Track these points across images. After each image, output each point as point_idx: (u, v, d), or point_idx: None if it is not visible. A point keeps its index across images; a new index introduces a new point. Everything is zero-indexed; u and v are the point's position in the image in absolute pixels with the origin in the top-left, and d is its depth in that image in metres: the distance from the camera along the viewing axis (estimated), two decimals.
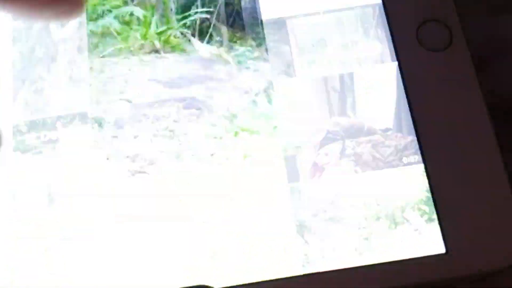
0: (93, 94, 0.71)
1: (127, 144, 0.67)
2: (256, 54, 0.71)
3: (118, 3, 0.76)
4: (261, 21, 0.70)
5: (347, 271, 0.47)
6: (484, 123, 0.50)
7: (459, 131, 0.50)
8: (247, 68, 0.70)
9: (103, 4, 0.76)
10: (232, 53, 0.72)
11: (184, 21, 0.73)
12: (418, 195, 0.49)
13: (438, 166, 0.50)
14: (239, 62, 0.71)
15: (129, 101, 0.71)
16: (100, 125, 0.70)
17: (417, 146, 0.51)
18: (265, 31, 0.70)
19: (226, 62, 0.72)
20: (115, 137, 0.68)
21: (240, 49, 0.72)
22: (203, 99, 0.69)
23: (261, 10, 0.71)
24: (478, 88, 0.51)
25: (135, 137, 0.68)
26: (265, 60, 0.71)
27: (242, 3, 0.73)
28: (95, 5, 0.77)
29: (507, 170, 0.49)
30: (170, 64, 0.72)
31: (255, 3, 0.71)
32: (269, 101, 0.68)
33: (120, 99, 0.71)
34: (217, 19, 0.72)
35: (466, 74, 0.52)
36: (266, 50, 0.70)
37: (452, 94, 0.52)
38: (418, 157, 0.51)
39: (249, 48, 0.72)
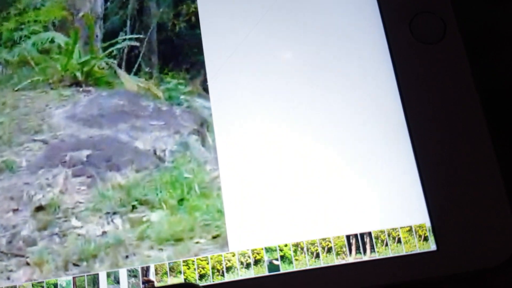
0: (5, 133, 0.63)
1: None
2: (190, 88, 0.64)
3: (37, 28, 0.68)
4: (201, 48, 0.62)
5: (338, 267, 0.49)
6: (477, 116, 0.50)
7: (452, 125, 0.50)
8: (179, 104, 0.63)
9: (21, 29, 0.68)
10: (163, 87, 0.64)
11: (110, 49, 0.65)
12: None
13: (430, 161, 0.50)
14: (170, 98, 0.63)
15: (45, 142, 0.63)
16: (11, 169, 0.61)
17: (408, 139, 0.51)
18: (206, 59, 0.63)
19: (155, 97, 0.64)
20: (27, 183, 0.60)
21: (172, 82, 0.64)
22: (126, 139, 0.61)
23: (203, 35, 0.63)
24: (472, 80, 0.51)
25: (48, 185, 0.60)
26: (201, 95, 0.63)
27: (177, 28, 0.66)
28: (11, 30, 0.69)
29: (501, 165, 0.49)
30: (92, 99, 0.64)
31: (194, 28, 0.64)
32: (204, 144, 0.60)
33: (35, 140, 0.63)
34: (148, 47, 0.64)
35: (460, 66, 0.51)
36: (205, 82, 0.63)
37: (446, 87, 0.51)
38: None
39: (182, 80, 0.64)
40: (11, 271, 0.56)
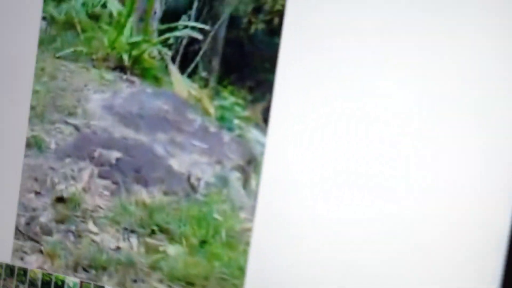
0: (39, 105, 0.57)
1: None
2: (248, 113, 0.54)
3: None
4: (274, 65, 0.51)
5: None
6: None
7: None
8: (230, 129, 0.54)
9: None
10: (217, 102, 0.55)
11: (167, 35, 0.55)
12: None
13: None
14: (221, 118, 0.54)
15: (77, 129, 0.56)
16: (39, 148, 0.56)
17: None
18: (277, 81, 0.52)
19: (205, 112, 0.55)
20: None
21: (229, 99, 0.55)
22: (161, 153, 0.54)
23: (282, 47, 0.52)
24: None
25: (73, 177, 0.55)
26: (258, 126, 0.54)
27: (253, 29, 0.54)
28: None
29: None
30: (134, 93, 0.56)
31: (274, 35, 0.52)
32: (245, 187, 0.52)
33: (67, 123, 0.57)
34: (211, 45, 0.54)
35: None
36: (267, 111, 0.52)
37: None
38: None
39: (241, 101, 0.55)
40: (25, 252, 0.55)
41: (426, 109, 0.51)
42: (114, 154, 0.56)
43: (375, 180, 0.51)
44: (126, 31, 0.55)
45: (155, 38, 0.54)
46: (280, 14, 0.50)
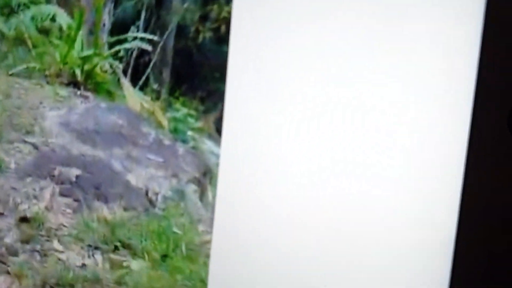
0: None
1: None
2: (201, 124, 0.53)
3: None
4: (224, 74, 0.49)
5: None
6: None
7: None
8: (184, 141, 0.53)
9: None
10: (169, 114, 0.54)
11: (117, 48, 0.54)
12: None
13: None
14: (175, 130, 0.53)
15: (36, 147, 0.56)
16: None
17: None
18: (227, 90, 0.50)
19: (159, 124, 0.54)
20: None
21: (181, 110, 0.54)
22: (119, 169, 0.53)
23: (230, 56, 0.50)
24: None
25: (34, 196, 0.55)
26: (212, 136, 0.53)
27: (201, 38, 0.53)
28: None
29: None
30: (89, 108, 0.55)
31: (221, 43, 0.50)
32: (202, 199, 0.52)
33: (25, 141, 0.56)
34: (161, 55, 0.52)
35: None
36: (220, 121, 0.51)
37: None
38: None
39: (193, 112, 0.53)
40: None
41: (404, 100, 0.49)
42: (74, 172, 0.56)
43: (333, 187, 0.50)
44: (77, 45, 0.54)
45: (106, 51, 0.54)
46: (227, 21, 0.49)
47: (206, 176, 0.51)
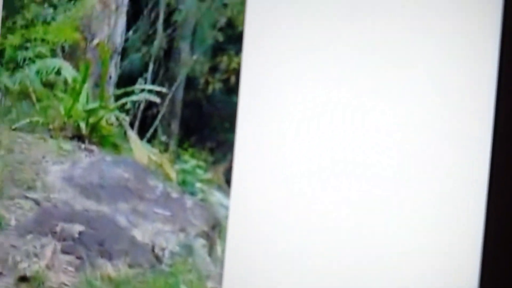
0: None
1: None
2: (210, 175, 0.52)
3: (44, 50, 0.57)
4: (234, 124, 0.49)
5: None
6: None
7: None
8: (192, 194, 0.52)
9: (26, 49, 0.58)
10: (178, 166, 0.53)
11: (123, 100, 0.53)
12: None
13: None
14: (183, 183, 0.53)
15: (37, 203, 0.55)
16: None
17: None
18: (237, 140, 0.50)
19: (166, 177, 0.53)
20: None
21: (190, 162, 0.53)
22: (124, 224, 0.52)
23: (240, 106, 0.50)
24: None
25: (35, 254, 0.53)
26: (221, 188, 0.52)
27: (210, 89, 0.53)
28: (15, 47, 0.58)
29: None
30: (93, 162, 0.54)
31: (231, 93, 0.50)
32: (211, 254, 0.50)
33: (27, 197, 0.55)
34: (169, 108, 0.52)
35: None
36: (229, 172, 0.51)
37: None
38: None
39: (202, 163, 0.53)
40: None
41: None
42: (77, 228, 0.54)
43: (343, 237, 0.48)
44: (82, 98, 0.54)
45: (112, 104, 0.53)
46: (237, 72, 0.49)
47: (215, 230, 0.50)
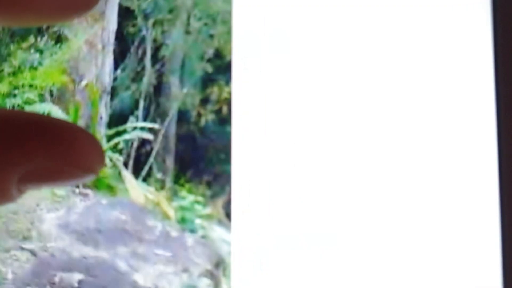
0: None
1: None
2: (209, 210, 0.51)
3: (32, 96, 0.57)
4: (229, 155, 0.48)
5: None
6: None
7: None
8: (192, 231, 0.51)
9: (14, 96, 0.57)
10: (176, 203, 0.52)
11: (116, 140, 0.53)
12: None
13: None
14: (182, 220, 0.51)
15: (34, 254, 0.54)
16: None
17: None
18: (234, 171, 0.49)
19: (165, 216, 0.52)
20: None
21: (188, 198, 0.52)
22: (125, 268, 0.50)
23: (234, 136, 0.49)
24: None
25: None
26: (221, 222, 0.51)
27: (203, 121, 0.52)
28: (3, 95, 0.58)
29: None
30: (89, 206, 0.54)
31: (224, 124, 0.49)
32: None
33: (23, 248, 0.54)
34: (163, 143, 0.51)
35: None
36: (229, 205, 0.50)
37: None
38: None
39: (200, 198, 0.52)
40: None
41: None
42: (76, 277, 0.53)
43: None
44: None
45: (105, 145, 0.52)
46: (228, 102, 0.48)
47: (219, 268, 0.48)
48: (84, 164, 0.14)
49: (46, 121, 0.14)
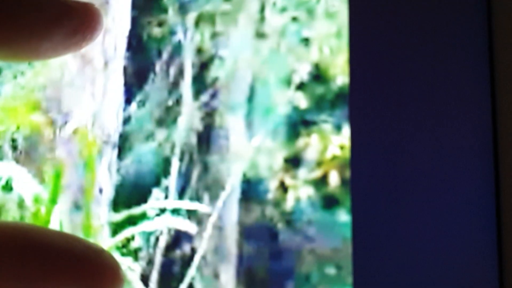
0: None
1: None
2: None
3: None
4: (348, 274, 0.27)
5: None
6: None
7: None
8: None
9: None
10: None
11: (127, 232, 0.31)
12: None
13: None
14: None
15: None
16: None
17: None
18: None
19: None
20: None
21: None
22: None
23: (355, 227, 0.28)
24: None
25: None
26: None
27: (290, 200, 0.31)
28: None
29: None
30: None
31: (336, 205, 0.28)
32: None
33: None
34: (216, 239, 0.30)
35: None
36: None
37: None
38: None
39: None
40: None
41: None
42: None
43: None
44: None
45: (107, 240, 0.31)
46: (341, 163, 0.26)
47: None
48: None
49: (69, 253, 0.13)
